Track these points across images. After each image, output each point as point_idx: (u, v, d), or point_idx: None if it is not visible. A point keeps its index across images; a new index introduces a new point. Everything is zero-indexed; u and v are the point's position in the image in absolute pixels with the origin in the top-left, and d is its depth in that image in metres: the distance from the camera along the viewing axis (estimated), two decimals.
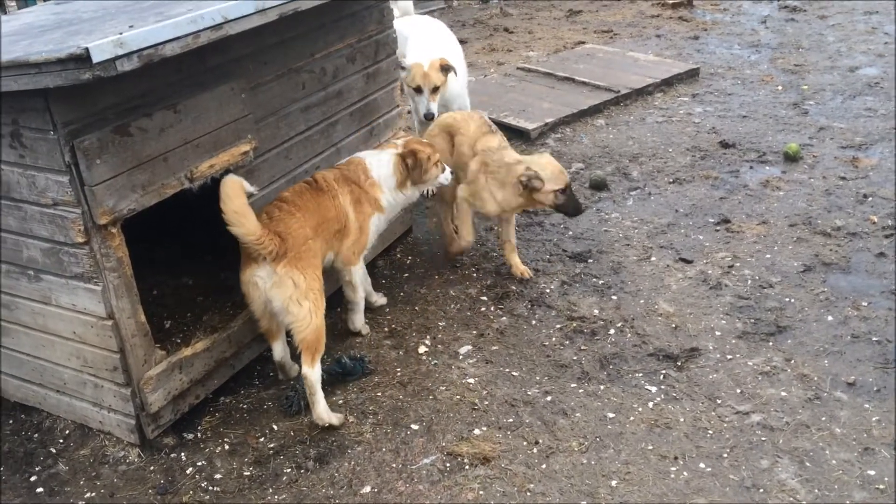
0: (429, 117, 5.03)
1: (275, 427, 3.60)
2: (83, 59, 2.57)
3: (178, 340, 3.68)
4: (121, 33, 2.69)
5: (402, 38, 5.45)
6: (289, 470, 3.36)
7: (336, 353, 3.99)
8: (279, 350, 3.77)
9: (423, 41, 5.50)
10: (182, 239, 4.62)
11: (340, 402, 3.73)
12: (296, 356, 3.83)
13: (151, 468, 3.41)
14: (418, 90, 5.09)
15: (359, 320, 4.21)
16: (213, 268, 4.31)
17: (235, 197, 3.28)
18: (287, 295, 3.42)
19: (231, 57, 3.53)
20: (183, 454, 3.48)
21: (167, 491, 3.28)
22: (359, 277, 4.10)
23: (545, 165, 4.36)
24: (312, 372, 3.49)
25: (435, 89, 5.09)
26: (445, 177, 4.30)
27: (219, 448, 3.50)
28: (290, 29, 3.82)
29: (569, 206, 4.41)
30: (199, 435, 3.58)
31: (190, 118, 3.32)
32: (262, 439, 3.53)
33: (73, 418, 3.61)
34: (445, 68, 5.14)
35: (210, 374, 3.64)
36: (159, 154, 3.20)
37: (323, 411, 3.53)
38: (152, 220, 3.80)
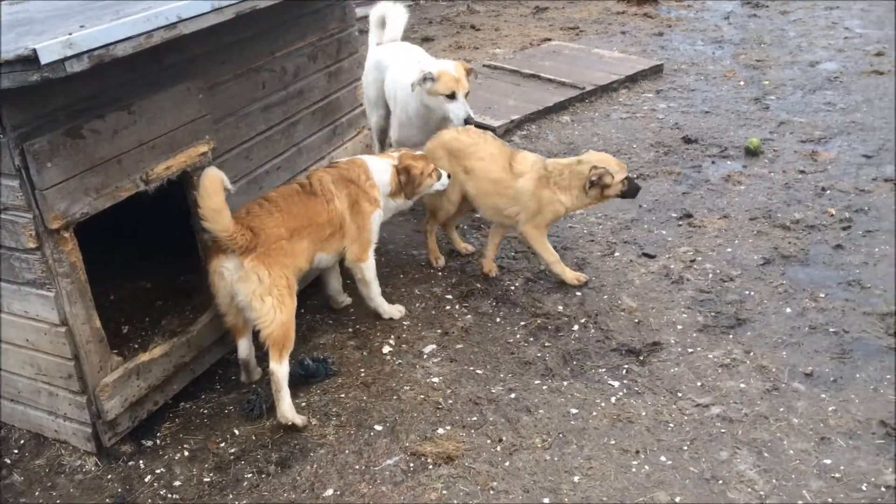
0: (470, 121, 4.76)
1: (236, 432, 3.57)
2: (31, 60, 2.53)
3: (136, 346, 3.63)
4: (70, 34, 2.65)
5: (380, 67, 5.34)
6: (250, 475, 3.33)
7: (299, 355, 3.95)
8: (244, 347, 3.75)
9: (407, 62, 5.22)
10: (139, 241, 4.56)
11: (303, 404, 3.71)
12: (261, 358, 3.82)
13: (109, 477, 3.36)
14: (451, 96, 4.76)
15: (384, 309, 4.30)
16: (172, 270, 4.27)
17: (214, 194, 3.33)
18: (251, 290, 3.46)
19: (187, 56, 3.49)
20: (141, 462, 3.43)
21: (125, 500, 3.24)
22: (371, 274, 4.17)
23: (605, 160, 4.38)
24: (280, 368, 3.49)
25: (466, 95, 4.86)
26: (442, 182, 4.36)
27: (178, 454, 3.46)
28: (249, 27, 3.78)
29: (633, 189, 4.41)
30: (158, 442, 3.54)
31: (145, 119, 3.27)
32: (222, 444, 3.50)
33: (28, 427, 3.55)
34: (469, 71, 4.95)
35: (169, 380, 3.59)
36: (113, 156, 3.15)
37: (287, 410, 3.52)
38: (108, 222, 3.75)
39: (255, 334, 3.67)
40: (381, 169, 4.15)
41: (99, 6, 3.33)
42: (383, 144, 5.63)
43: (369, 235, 4.08)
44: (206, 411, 3.71)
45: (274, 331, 3.48)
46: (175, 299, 4.04)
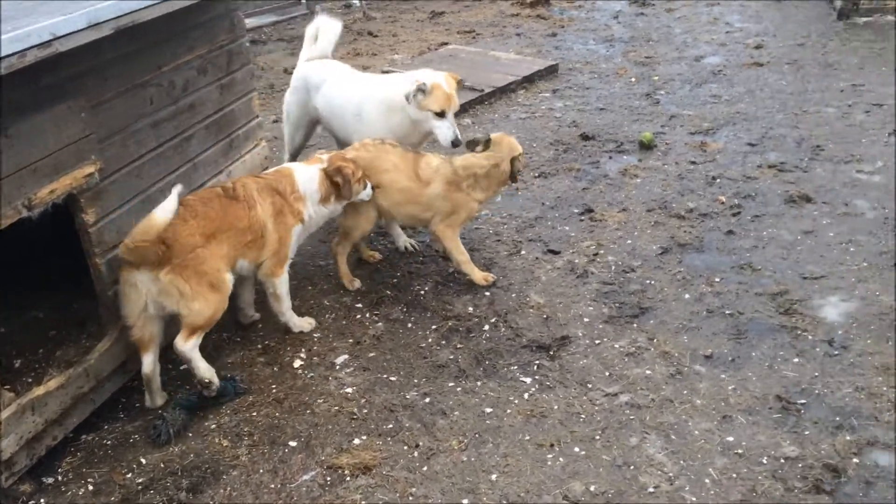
0: (456, 144, 4.52)
1: (143, 460, 3.44)
2: None
3: (30, 380, 3.45)
4: None
5: (308, 86, 5.11)
6: None
7: None
8: (149, 363, 3.64)
9: (353, 79, 5.03)
10: (29, 269, 4.35)
11: (213, 426, 3.61)
12: (165, 383, 3.70)
13: None
14: (441, 115, 4.49)
15: (295, 323, 4.26)
16: (65, 298, 4.08)
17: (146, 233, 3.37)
18: (174, 301, 3.50)
19: (67, 74, 3.34)
20: (42, 500, 3.25)
21: None
22: (284, 289, 4.11)
23: (514, 144, 4.45)
24: (185, 344, 3.56)
25: (455, 113, 4.62)
26: (367, 193, 4.34)
27: (82, 489, 3.30)
28: (132, 42, 3.65)
29: (516, 169, 4.45)
30: (59, 478, 3.37)
31: (24, 142, 3.11)
32: (129, 475, 3.36)
33: None
34: (459, 84, 4.68)
35: (68, 413, 3.43)
36: None
37: (205, 371, 3.62)
38: None
39: (162, 352, 3.62)
40: (308, 177, 4.10)
41: None
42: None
43: (287, 250, 4.04)
44: (109, 442, 3.56)
45: (196, 320, 3.55)
46: (69, 328, 3.87)
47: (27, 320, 3.99)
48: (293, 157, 5.47)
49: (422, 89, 4.48)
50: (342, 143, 5.06)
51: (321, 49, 5.31)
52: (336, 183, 4.14)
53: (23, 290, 4.22)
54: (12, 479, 3.22)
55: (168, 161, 4.03)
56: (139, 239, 3.37)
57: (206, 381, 3.60)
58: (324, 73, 5.08)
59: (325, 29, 5.30)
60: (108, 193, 3.62)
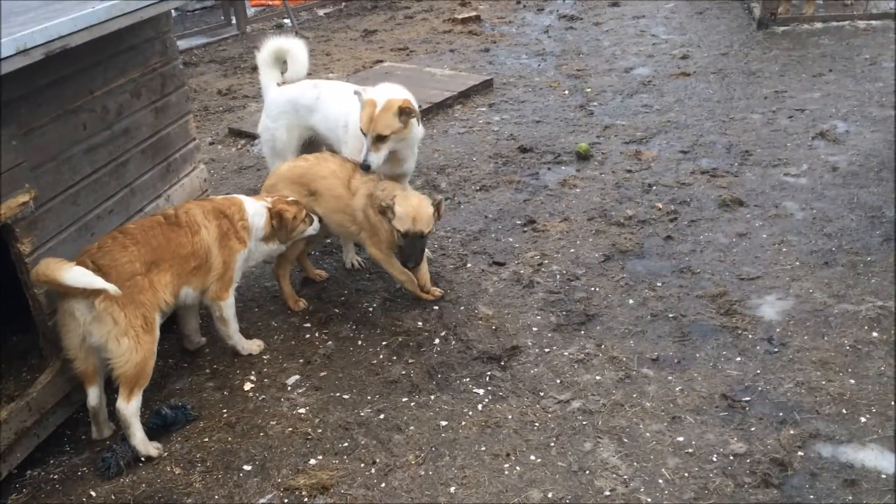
0: (364, 168, 4.32)
1: (92, 494, 3.33)
2: None
3: None
4: None
5: (297, 108, 4.93)
6: None
7: (154, 404, 3.77)
8: (94, 396, 3.55)
9: (343, 91, 4.88)
10: None
11: (165, 454, 3.52)
12: (112, 413, 3.60)
13: None
14: (364, 132, 4.33)
15: (243, 346, 4.20)
16: (3, 331, 3.93)
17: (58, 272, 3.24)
18: (106, 331, 3.36)
19: None
20: None
21: None
22: (230, 312, 4.06)
23: (409, 203, 4.21)
24: (127, 406, 3.43)
25: (380, 138, 4.29)
26: (314, 227, 4.34)
27: None
28: (64, 67, 3.57)
29: (405, 252, 4.27)
30: None
31: None
32: None
33: None
34: (406, 112, 4.32)
35: (11, 448, 3.30)
36: None
37: (140, 443, 3.47)
38: None
39: (107, 382, 3.50)
40: (257, 212, 4.11)
41: None
42: None
43: (232, 273, 4.00)
44: (56, 476, 3.44)
45: (128, 370, 3.40)
46: (9, 361, 3.73)
47: None
48: None
49: (360, 102, 4.41)
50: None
51: (296, 71, 5.18)
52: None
53: None
54: None
55: (105, 187, 3.94)
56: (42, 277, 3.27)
57: (143, 456, 3.47)
58: (315, 92, 4.95)
59: (295, 51, 5.16)
60: (44, 222, 3.52)
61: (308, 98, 4.97)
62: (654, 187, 5.70)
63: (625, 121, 6.97)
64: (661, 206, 5.41)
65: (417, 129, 4.59)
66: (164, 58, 4.38)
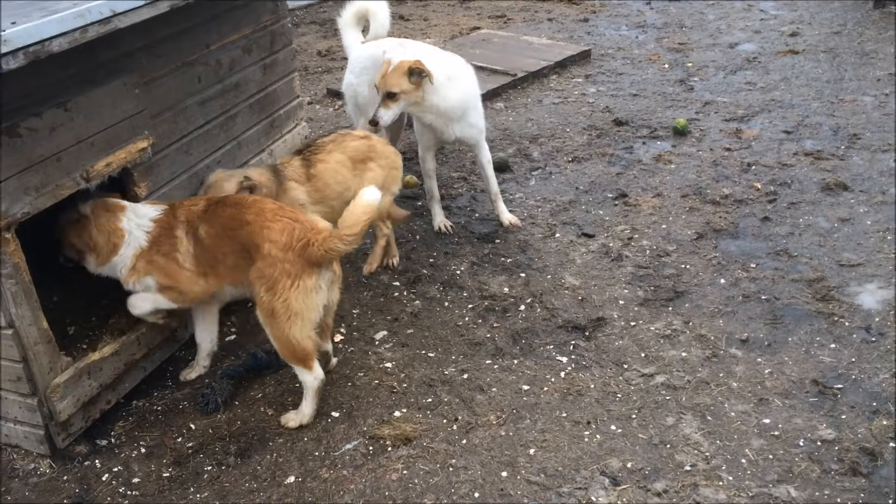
0: (372, 123, 4.46)
1: (192, 426, 3.55)
2: None
3: (85, 346, 3.56)
4: (3, 30, 2.59)
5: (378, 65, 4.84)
6: (209, 467, 3.32)
7: (251, 347, 3.96)
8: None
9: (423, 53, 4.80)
10: None
11: (258, 395, 3.71)
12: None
13: (65, 478, 3.30)
14: (377, 89, 4.48)
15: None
16: None
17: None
18: (336, 288, 3.56)
19: (123, 51, 3.44)
20: (97, 461, 3.38)
21: (83, 500, 3.19)
22: None
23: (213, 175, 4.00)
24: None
25: (391, 95, 4.42)
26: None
27: (135, 452, 3.43)
28: (183, 21, 3.74)
29: None
30: (113, 440, 3.49)
31: (82, 116, 3.21)
32: (179, 439, 3.48)
33: None
34: (416, 72, 4.39)
35: (121, 378, 3.55)
36: (52, 154, 3.09)
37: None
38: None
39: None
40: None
41: (28, 2, 3.25)
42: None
43: None
44: (159, 408, 3.67)
45: None
46: (120, 298, 3.96)
47: (79, 289, 4.10)
48: None
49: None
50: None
51: (378, 29, 5.25)
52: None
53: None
54: (69, 441, 3.35)
55: (214, 138, 4.13)
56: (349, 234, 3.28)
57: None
58: (400, 51, 4.88)
59: (375, 9, 5.22)
60: (159, 168, 3.73)
61: (392, 56, 5.00)
62: (754, 167, 5.55)
63: (726, 98, 6.77)
64: (759, 187, 5.27)
65: (441, 93, 4.55)
66: (275, 16, 4.52)
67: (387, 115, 4.45)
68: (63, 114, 3.13)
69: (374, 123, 4.45)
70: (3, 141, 2.89)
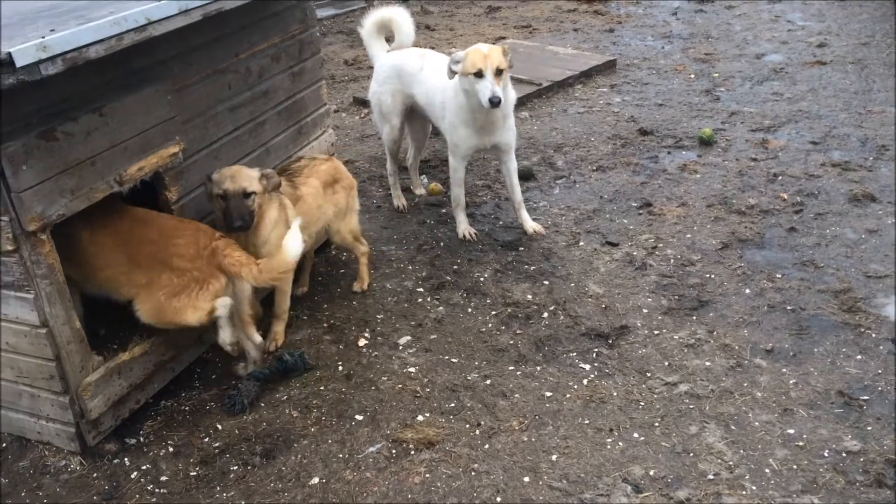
0: (494, 102, 4.38)
1: (219, 427, 3.61)
2: (6, 63, 2.55)
3: (115, 346, 3.64)
4: (43, 37, 2.68)
5: (401, 75, 5.07)
6: (235, 467, 3.37)
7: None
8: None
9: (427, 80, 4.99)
10: None
11: (284, 398, 3.76)
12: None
13: (95, 475, 3.37)
14: (479, 74, 4.40)
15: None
16: None
17: None
18: None
19: (156, 59, 3.52)
20: (126, 459, 3.45)
21: (112, 496, 3.25)
22: None
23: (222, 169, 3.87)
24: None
25: (499, 72, 4.42)
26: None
27: (163, 451, 3.49)
28: (215, 30, 3.82)
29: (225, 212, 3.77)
30: (141, 439, 3.56)
31: (116, 121, 3.29)
32: (206, 439, 3.53)
33: (10, 430, 3.53)
34: (507, 54, 4.52)
35: (150, 379, 3.62)
36: (87, 158, 3.17)
37: None
38: None
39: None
40: None
41: (63, 10, 3.34)
42: (396, 156, 5.45)
43: None
44: (187, 408, 3.74)
45: None
46: None
47: None
48: (392, 150, 5.40)
49: (456, 59, 4.49)
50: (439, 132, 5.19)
51: (403, 39, 5.32)
52: None
53: None
54: (99, 438, 3.42)
55: (243, 144, 4.20)
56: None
57: None
58: (420, 62, 5.06)
59: (398, 19, 5.29)
60: (189, 173, 3.80)
61: (412, 66, 5.10)
62: (780, 177, 5.53)
63: (753, 108, 6.75)
64: (786, 197, 5.25)
65: (510, 91, 4.71)
66: (303, 25, 4.58)
67: (501, 92, 4.44)
68: (98, 119, 3.21)
69: (495, 103, 4.40)
70: (41, 144, 2.97)
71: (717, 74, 7.59)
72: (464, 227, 5.12)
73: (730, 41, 8.54)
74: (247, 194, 3.72)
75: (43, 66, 2.67)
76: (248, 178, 3.75)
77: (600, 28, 9.36)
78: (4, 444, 3.54)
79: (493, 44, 4.54)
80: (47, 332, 3.13)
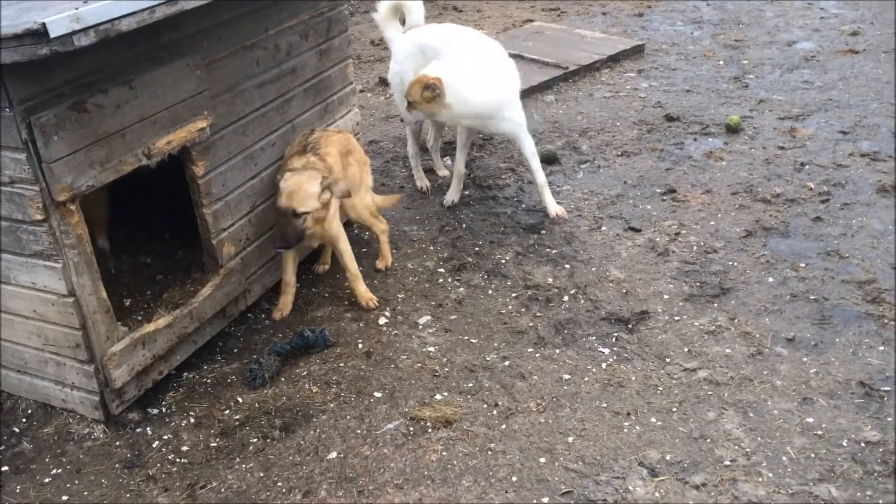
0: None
1: (239, 399, 3.66)
2: (40, 34, 2.58)
3: (140, 318, 3.70)
4: (76, 8, 2.70)
5: (426, 52, 5.03)
6: (255, 440, 3.43)
7: (298, 326, 4.05)
8: None
9: (451, 55, 4.96)
10: (138, 219, 4.61)
11: (304, 373, 3.80)
12: (259, 331, 3.90)
13: (117, 443, 3.44)
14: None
15: None
16: (170, 247, 4.32)
17: None
18: None
19: (186, 33, 3.54)
20: (148, 429, 3.51)
21: (134, 465, 3.32)
22: None
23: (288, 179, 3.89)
24: None
25: (410, 105, 4.76)
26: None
27: (184, 421, 3.55)
28: (244, 5, 3.83)
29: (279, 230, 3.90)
30: (163, 410, 3.62)
31: (146, 94, 3.33)
32: (227, 412, 3.59)
33: (35, 398, 3.61)
34: (430, 87, 4.59)
35: (173, 350, 3.67)
36: (116, 130, 3.21)
37: None
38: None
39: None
40: None
41: None
42: (417, 137, 5.49)
43: None
44: (209, 381, 3.79)
45: None
46: (174, 274, 4.11)
47: (136, 264, 4.26)
48: (415, 134, 5.46)
49: None
50: None
51: (415, 21, 5.35)
52: None
53: (132, 236, 4.48)
54: (122, 407, 3.48)
55: (270, 121, 4.22)
56: None
57: None
58: (447, 37, 5.06)
59: (410, 3, 5.32)
60: (217, 148, 3.82)
61: (436, 41, 5.09)
62: (807, 166, 5.46)
63: (782, 96, 6.66)
64: (812, 186, 5.19)
65: (461, 97, 4.67)
66: (333, 3, 4.59)
67: (409, 117, 5.06)
68: (128, 91, 3.25)
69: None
70: (72, 116, 3.01)
71: (746, 61, 7.49)
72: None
73: (761, 28, 8.42)
74: (297, 214, 3.77)
75: (76, 38, 2.69)
76: (303, 198, 3.79)
77: (629, 12, 9.26)
78: (30, 411, 3.62)
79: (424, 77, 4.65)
80: (74, 302, 3.19)
